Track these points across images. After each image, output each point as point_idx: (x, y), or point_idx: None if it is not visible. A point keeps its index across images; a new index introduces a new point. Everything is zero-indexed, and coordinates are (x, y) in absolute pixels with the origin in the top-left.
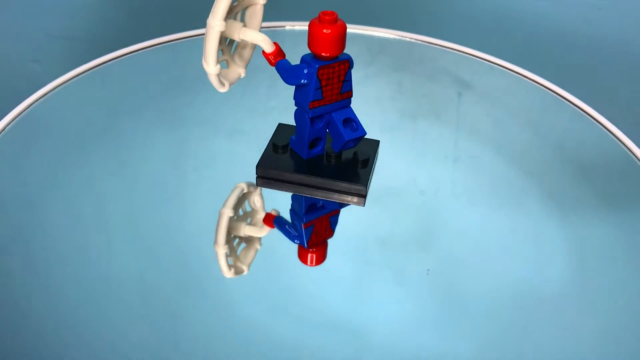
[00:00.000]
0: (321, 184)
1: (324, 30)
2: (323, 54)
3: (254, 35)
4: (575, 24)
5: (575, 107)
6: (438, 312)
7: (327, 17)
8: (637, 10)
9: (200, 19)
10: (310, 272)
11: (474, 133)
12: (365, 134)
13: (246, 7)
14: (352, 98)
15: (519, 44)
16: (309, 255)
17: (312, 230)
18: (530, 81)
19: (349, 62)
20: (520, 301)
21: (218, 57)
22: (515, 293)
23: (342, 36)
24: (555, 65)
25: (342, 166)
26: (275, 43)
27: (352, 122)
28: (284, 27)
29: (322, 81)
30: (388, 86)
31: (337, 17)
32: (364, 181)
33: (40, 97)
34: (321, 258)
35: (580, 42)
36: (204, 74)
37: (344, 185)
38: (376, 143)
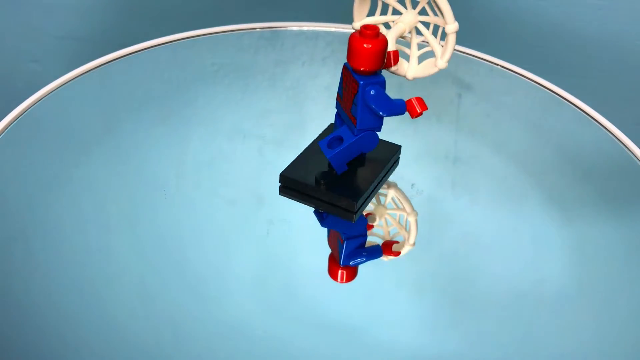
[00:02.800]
0: None
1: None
2: (355, 67)
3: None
4: (575, 24)
5: (576, 108)
6: (438, 312)
7: (368, 32)
8: (637, 10)
9: (200, 19)
10: (310, 273)
11: (474, 133)
12: (328, 157)
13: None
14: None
15: (519, 44)
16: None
17: (328, 234)
18: (530, 81)
19: (358, 87)
20: (520, 301)
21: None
22: (515, 293)
23: (367, 52)
24: (555, 66)
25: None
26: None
27: (340, 142)
28: (285, 27)
29: (343, 82)
30: (388, 87)
31: (378, 31)
32: (288, 175)
33: (41, 98)
34: (336, 275)
35: (581, 42)
36: (204, 74)
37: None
38: (352, 204)
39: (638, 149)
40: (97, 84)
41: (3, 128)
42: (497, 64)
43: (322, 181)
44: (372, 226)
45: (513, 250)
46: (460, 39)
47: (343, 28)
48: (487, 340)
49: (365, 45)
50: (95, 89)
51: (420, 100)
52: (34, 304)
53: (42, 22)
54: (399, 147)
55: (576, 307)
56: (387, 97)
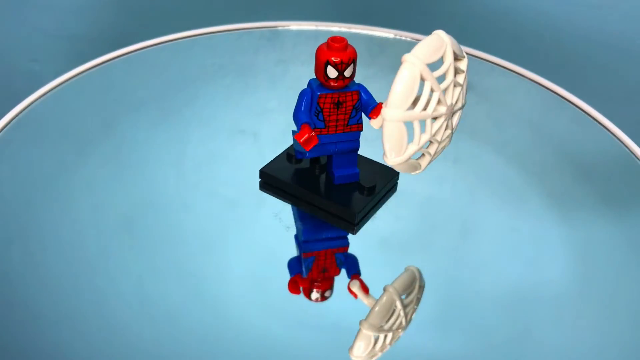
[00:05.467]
0: None
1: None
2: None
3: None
4: (575, 24)
5: (576, 107)
6: (438, 312)
7: (336, 45)
8: (637, 10)
9: (200, 19)
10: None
11: (474, 133)
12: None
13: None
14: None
15: (520, 43)
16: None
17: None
18: (531, 81)
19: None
20: (520, 301)
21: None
22: (515, 293)
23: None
24: (555, 65)
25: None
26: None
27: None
28: (284, 27)
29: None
30: (388, 87)
31: (347, 42)
32: None
33: (40, 97)
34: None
35: (581, 42)
36: (203, 73)
37: None
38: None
39: (639, 148)
40: (97, 83)
41: (2, 127)
42: (498, 64)
43: (292, 154)
44: (354, 294)
45: (513, 250)
46: (461, 39)
47: (343, 28)
48: (487, 340)
49: (333, 60)
50: (94, 89)
51: (309, 136)
52: (32, 304)
53: (42, 21)
54: (353, 207)
55: (576, 307)
56: (302, 105)
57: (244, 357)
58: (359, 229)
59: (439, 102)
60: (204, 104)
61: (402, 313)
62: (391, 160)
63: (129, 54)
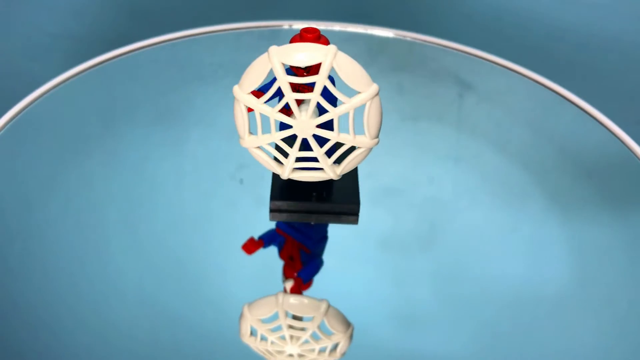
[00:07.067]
0: None
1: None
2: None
3: None
4: (576, 24)
5: (577, 107)
6: (438, 312)
7: (309, 35)
8: (637, 10)
9: (200, 19)
10: None
11: (476, 133)
12: None
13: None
14: None
15: (521, 43)
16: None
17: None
18: (532, 81)
19: None
20: (520, 301)
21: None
22: (515, 293)
23: None
24: (556, 65)
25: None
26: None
27: None
28: (284, 26)
29: None
30: (388, 87)
31: (319, 34)
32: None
33: (39, 97)
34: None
35: (582, 42)
36: (202, 73)
37: None
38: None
39: (639, 148)
40: (95, 83)
41: (1, 127)
42: (499, 63)
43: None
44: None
45: (513, 250)
46: (462, 39)
47: (343, 27)
48: (487, 340)
49: None
50: (93, 89)
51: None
52: (31, 304)
53: (41, 21)
54: (274, 195)
55: (576, 307)
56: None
57: (243, 357)
58: (278, 219)
59: (288, 107)
60: (203, 104)
61: (284, 327)
62: (240, 141)
63: (128, 54)
